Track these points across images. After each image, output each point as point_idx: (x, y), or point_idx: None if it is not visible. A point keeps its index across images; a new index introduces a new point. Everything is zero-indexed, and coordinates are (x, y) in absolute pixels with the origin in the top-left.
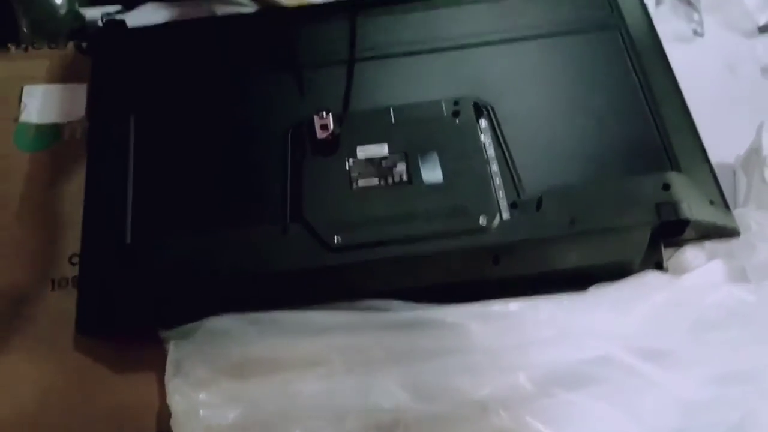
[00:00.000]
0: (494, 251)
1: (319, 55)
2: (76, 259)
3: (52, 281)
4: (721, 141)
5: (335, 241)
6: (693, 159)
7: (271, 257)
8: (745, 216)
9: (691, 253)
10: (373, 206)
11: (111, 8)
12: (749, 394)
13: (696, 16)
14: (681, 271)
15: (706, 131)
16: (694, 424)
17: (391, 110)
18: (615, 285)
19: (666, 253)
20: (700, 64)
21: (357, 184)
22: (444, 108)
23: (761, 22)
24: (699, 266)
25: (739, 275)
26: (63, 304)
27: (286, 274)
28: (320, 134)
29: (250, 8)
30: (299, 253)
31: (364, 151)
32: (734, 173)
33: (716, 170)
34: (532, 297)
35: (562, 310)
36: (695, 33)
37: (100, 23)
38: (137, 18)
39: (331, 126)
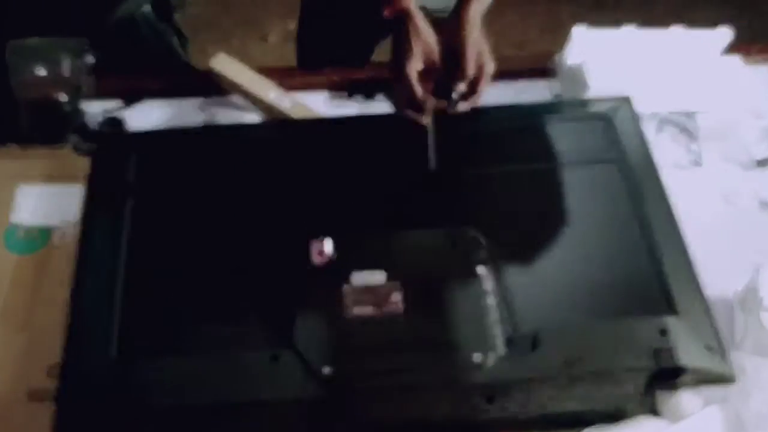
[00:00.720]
0: (488, 390)
1: (320, 174)
2: (55, 371)
3: (28, 393)
4: (719, 273)
5: (324, 372)
6: (690, 301)
7: (259, 386)
8: (741, 360)
9: (686, 398)
10: (366, 336)
11: (111, 104)
12: None
13: (694, 147)
14: (676, 416)
15: (703, 263)
16: None
17: (390, 237)
18: (609, 430)
19: (661, 396)
20: (698, 194)
21: (351, 311)
22: (443, 238)
23: (759, 156)
24: (694, 412)
25: (734, 423)
26: (38, 419)
27: (273, 404)
28: (316, 259)
29: (252, 114)
30: (288, 383)
31: (360, 278)
32: (732, 308)
33: (713, 303)
34: None
35: None
36: (694, 163)
37: (100, 119)
38: (138, 114)
39: (327, 251)
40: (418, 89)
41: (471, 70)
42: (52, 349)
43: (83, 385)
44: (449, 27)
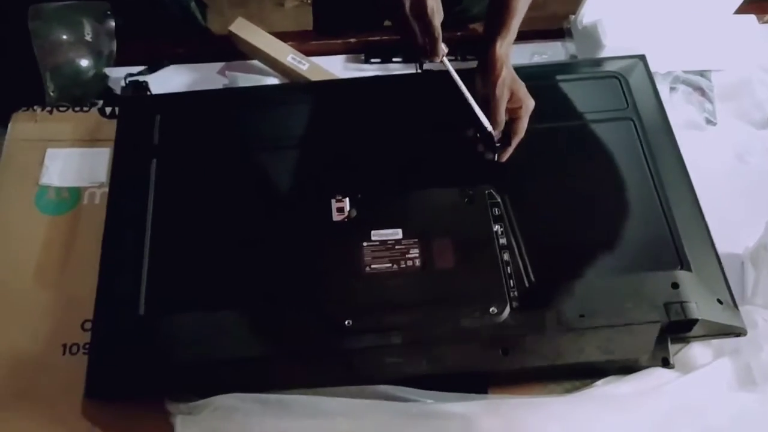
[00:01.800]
0: (503, 342)
1: (339, 134)
2: (88, 325)
3: (64, 346)
4: (731, 231)
5: (346, 324)
6: (702, 256)
7: (282, 338)
8: (752, 313)
9: (698, 350)
10: (384, 291)
11: (134, 69)
12: None
13: (709, 106)
14: (687, 367)
15: (715, 220)
16: None
17: (407, 195)
18: (622, 381)
19: (673, 348)
20: (712, 153)
21: (370, 267)
22: (459, 196)
23: None
24: (705, 364)
25: (745, 375)
26: (73, 369)
27: (296, 355)
28: (336, 217)
29: (271, 77)
30: (310, 336)
31: (379, 235)
32: (743, 264)
33: (725, 260)
34: (542, 393)
35: (569, 409)
36: (708, 122)
37: (123, 83)
38: (160, 80)
39: (347, 209)
40: (414, 27)
41: (501, 117)
42: (86, 305)
43: (113, 339)
44: (481, 73)
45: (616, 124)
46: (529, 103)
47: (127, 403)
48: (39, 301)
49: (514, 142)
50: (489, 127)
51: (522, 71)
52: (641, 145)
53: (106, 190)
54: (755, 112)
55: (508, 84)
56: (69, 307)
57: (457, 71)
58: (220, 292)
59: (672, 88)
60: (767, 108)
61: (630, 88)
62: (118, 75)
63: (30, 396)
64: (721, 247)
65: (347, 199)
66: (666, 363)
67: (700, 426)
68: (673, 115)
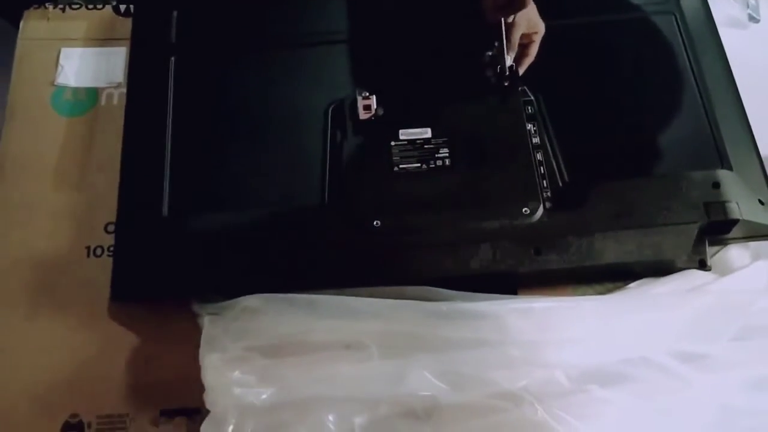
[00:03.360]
0: (536, 242)
1: (365, 30)
2: (111, 228)
3: (88, 249)
4: None
5: (375, 224)
6: (744, 155)
7: (308, 238)
8: None
9: (735, 252)
10: (414, 190)
11: None
12: None
13: (752, 1)
14: (725, 270)
15: (756, 122)
16: (731, 428)
17: (437, 93)
18: (658, 283)
19: (710, 250)
20: (754, 52)
21: (398, 167)
22: (491, 93)
23: None
24: (743, 266)
25: None
26: (98, 272)
27: (323, 255)
28: (363, 115)
29: None
30: (338, 235)
31: (407, 134)
32: None
33: (765, 159)
34: (573, 295)
35: (603, 309)
36: (750, 19)
37: None
38: None
39: (374, 107)
40: None
41: (515, 45)
42: (109, 208)
43: (137, 241)
44: None
45: (657, 18)
46: (542, 28)
47: (153, 305)
48: (60, 204)
49: (524, 67)
50: (509, 62)
51: None
52: (683, 41)
53: (124, 90)
54: None
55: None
56: (90, 209)
57: None
58: (245, 192)
59: None
60: None
61: None
62: None
63: (55, 298)
64: (762, 148)
65: (374, 96)
66: (703, 265)
67: (741, 324)
68: (715, 11)
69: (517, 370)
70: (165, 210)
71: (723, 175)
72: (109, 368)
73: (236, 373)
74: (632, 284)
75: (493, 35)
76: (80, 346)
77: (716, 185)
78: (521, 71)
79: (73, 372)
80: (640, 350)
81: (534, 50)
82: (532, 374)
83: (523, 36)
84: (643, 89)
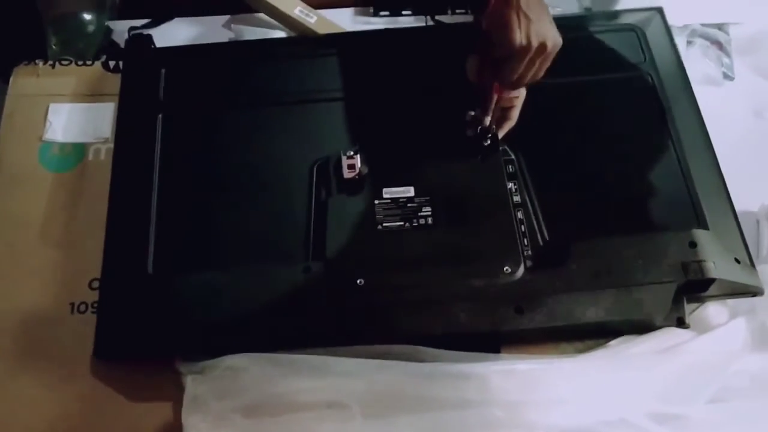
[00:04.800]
0: (517, 301)
1: (350, 90)
2: (96, 284)
3: (72, 305)
4: (746, 188)
5: (358, 282)
6: (720, 214)
7: (292, 297)
8: None
9: (713, 310)
10: (397, 249)
11: (138, 22)
12: None
13: (726, 60)
14: (703, 327)
15: (731, 177)
16: None
17: (419, 152)
18: (638, 341)
19: (688, 308)
20: (729, 108)
21: (381, 225)
22: (472, 153)
23: None
24: (721, 324)
25: (761, 334)
26: (81, 328)
27: (307, 314)
28: (347, 173)
29: (279, 30)
30: (321, 294)
31: (390, 193)
32: (758, 222)
33: (740, 216)
34: (555, 353)
35: (583, 369)
36: (725, 76)
37: (126, 37)
38: (164, 33)
39: (359, 166)
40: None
41: (491, 109)
42: (94, 264)
43: (121, 298)
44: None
45: (633, 78)
46: (523, 93)
47: (136, 363)
48: (45, 260)
49: (504, 131)
50: (489, 122)
51: None
52: (659, 100)
53: (112, 145)
54: None
55: None
56: (76, 265)
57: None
58: (229, 251)
59: (689, 42)
60: None
61: (647, 42)
62: (121, 28)
63: (38, 355)
64: (738, 206)
65: (358, 155)
66: (681, 323)
67: (718, 386)
68: (690, 69)
69: (500, 431)
70: (150, 268)
71: (699, 234)
72: (89, 426)
73: None
74: (612, 342)
75: (474, 96)
76: (63, 402)
77: (693, 245)
78: (501, 134)
79: (53, 429)
80: (620, 411)
81: (515, 114)
82: None
83: (504, 100)
84: (620, 149)
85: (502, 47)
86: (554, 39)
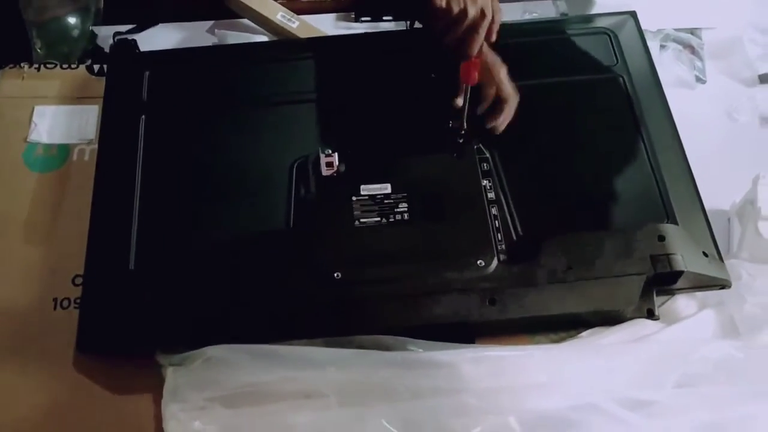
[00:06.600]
0: (490, 293)
1: (328, 91)
2: (79, 280)
3: (55, 301)
4: (718, 187)
5: (335, 276)
6: (689, 210)
7: (271, 290)
8: (737, 267)
9: (682, 302)
10: (374, 244)
11: (123, 28)
12: None
13: (699, 64)
14: (672, 319)
15: (703, 177)
16: None
17: (396, 150)
18: (607, 332)
19: (658, 300)
20: (701, 111)
21: (359, 221)
22: (447, 151)
23: (761, 72)
24: (690, 316)
25: (729, 326)
26: (64, 324)
27: (286, 307)
28: (325, 171)
29: (262, 36)
30: (300, 288)
31: (368, 190)
32: (729, 220)
33: (711, 216)
34: (529, 344)
35: (554, 357)
36: (697, 80)
37: (111, 42)
38: (148, 39)
39: (336, 164)
40: None
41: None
42: (77, 261)
43: (104, 293)
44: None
45: (606, 80)
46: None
47: (118, 356)
48: (28, 257)
49: (502, 126)
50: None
51: (512, 28)
52: (630, 101)
53: (96, 147)
54: (745, 71)
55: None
56: (59, 262)
57: None
58: (210, 246)
59: (662, 46)
60: (757, 66)
61: (620, 45)
62: (106, 34)
63: (21, 350)
64: (709, 204)
65: (336, 154)
66: (651, 314)
67: (683, 372)
68: (663, 72)
69: (472, 417)
70: (132, 264)
71: (668, 228)
72: (73, 418)
73: (197, 424)
74: (584, 333)
75: (451, 96)
76: (46, 394)
77: (662, 238)
78: (501, 129)
79: (37, 422)
80: (590, 397)
81: (510, 110)
82: (487, 421)
83: (498, 99)
84: (592, 147)
85: (431, 18)
86: None
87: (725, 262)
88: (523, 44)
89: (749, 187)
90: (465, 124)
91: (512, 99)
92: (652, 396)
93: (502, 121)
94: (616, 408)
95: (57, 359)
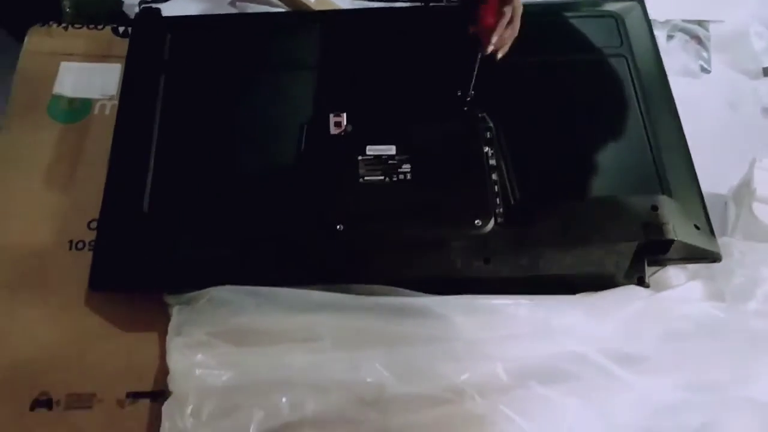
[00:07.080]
0: (485, 252)
1: (340, 58)
2: (94, 225)
3: (70, 242)
4: (717, 173)
5: (338, 228)
6: (684, 184)
7: (276, 238)
8: (730, 245)
9: (673, 273)
10: (376, 200)
11: None
12: (712, 402)
13: (704, 54)
14: (662, 288)
15: (703, 163)
16: (658, 424)
17: (403, 115)
18: (597, 294)
19: (649, 270)
20: (704, 100)
21: (363, 179)
22: (452, 117)
23: (766, 64)
24: (679, 285)
25: (716, 295)
26: (78, 264)
27: (289, 254)
28: (333, 130)
29: (280, 8)
30: (303, 236)
31: (373, 150)
32: (726, 204)
33: (710, 201)
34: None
35: (543, 309)
36: (702, 69)
37: (137, 9)
38: (172, 8)
39: (344, 124)
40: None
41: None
42: (93, 208)
43: (117, 234)
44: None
45: (610, 59)
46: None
47: (128, 295)
48: (48, 201)
49: (508, 43)
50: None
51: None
52: (632, 80)
53: (116, 102)
54: (750, 63)
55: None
56: (76, 208)
57: None
58: (220, 194)
59: (669, 36)
60: (762, 59)
61: (626, 28)
62: (132, 1)
63: (36, 286)
64: (708, 188)
65: (345, 114)
66: (642, 282)
67: (666, 329)
68: (669, 61)
69: (461, 363)
70: (145, 206)
71: (662, 199)
72: (82, 351)
73: (198, 356)
74: (575, 296)
75: (460, 64)
76: (58, 329)
77: (655, 208)
78: (506, 49)
79: (49, 353)
80: (576, 348)
81: (516, 25)
82: (474, 367)
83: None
84: (593, 121)
85: None
86: None
87: (719, 239)
88: (531, 23)
89: (745, 173)
90: (472, 89)
91: (518, 9)
92: (639, 350)
93: (510, 35)
94: (604, 360)
95: (70, 296)
